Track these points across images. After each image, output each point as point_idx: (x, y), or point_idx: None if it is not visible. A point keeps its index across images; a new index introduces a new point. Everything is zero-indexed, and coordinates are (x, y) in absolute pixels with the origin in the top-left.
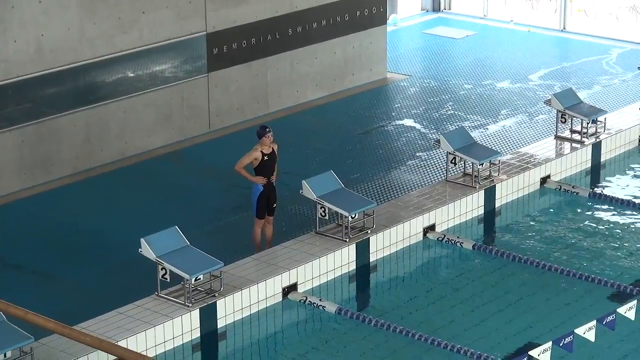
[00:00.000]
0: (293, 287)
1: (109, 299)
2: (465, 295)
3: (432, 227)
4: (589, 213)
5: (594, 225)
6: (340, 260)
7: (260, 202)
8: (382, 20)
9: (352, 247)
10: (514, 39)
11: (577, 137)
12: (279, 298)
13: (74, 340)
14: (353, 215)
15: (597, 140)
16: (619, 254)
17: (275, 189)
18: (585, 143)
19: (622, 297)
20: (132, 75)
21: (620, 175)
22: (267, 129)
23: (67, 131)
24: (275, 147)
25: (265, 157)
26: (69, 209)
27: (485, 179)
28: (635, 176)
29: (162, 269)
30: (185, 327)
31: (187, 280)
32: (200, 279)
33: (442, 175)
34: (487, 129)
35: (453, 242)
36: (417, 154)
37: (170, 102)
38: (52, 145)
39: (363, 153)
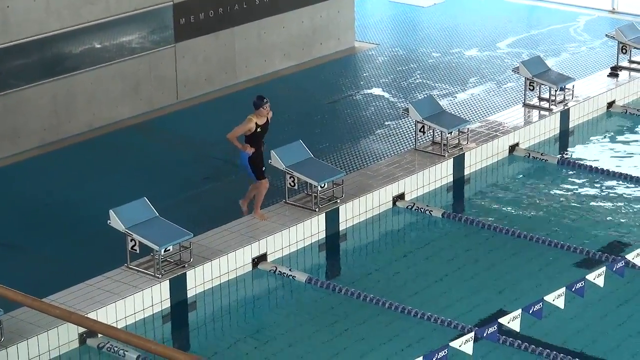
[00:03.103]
0: (263, 257)
1: (78, 271)
2: (435, 263)
3: (401, 196)
4: (558, 180)
5: (563, 192)
6: (310, 230)
7: (254, 163)
8: None
9: (322, 217)
10: (481, 6)
11: (545, 104)
12: (249, 268)
13: (43, 312)
14: (322, 185)
15: (566, 107)
16: (587, 220)
17: (262, 154)
18: (554, 110)
19: (591, 264)
20: (99, 46)
21: (588, 142)
22: (265, 100)
23: (34, 103)
24: (270, 116)
25: (259, 129)
26: (37, 181)
27: (454, 147)
28: (603, 143)
29: (131, 241)
30: (155, 298)
31: (157, 251)
32: (169, 250)
33: (411, 144)
34: (456, 97)
35: (422, 210)
36: (386, 123)
37: (137, 73)
38: (19, 117)
39: (332, 122)
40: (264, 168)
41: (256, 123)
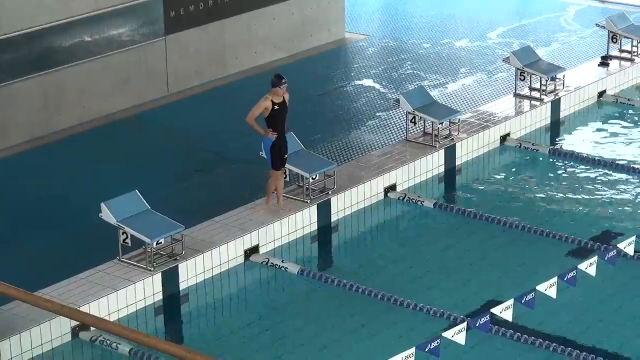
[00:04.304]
0: (255, 249)
1: (70, 265)
2: (426, 254)
3: (392, 187)
4: (549, 170)
5: (554, 182)
6: (302, 222)
7: (274, 152)
8: None
9: (314, 208)
10: None
11: (536, 94)
12: (241, 260)
13: (35, 306)
14: (314, 177)
15: (556, 97)
16: (579, 210)
17: (287, 141)
18: (545, 100)
19: (582, 253)
20: (89, 39)
21: (579, 132)
22: (283, 79)
23: (24, 97)
24: (287, 97)
25: (276, 107)
26: (28, 175)
27: (445, 137)
28: (594, 132)
29: (123, 234)
30: (147, 291)
31: (149, 244)
32: (161, 242)
33: (402, 135)
34: (447, 87)
35: (414, 201)
36: (377, 114)
37: (127, 66)
38: (9, 111)
39: (323, 114)
40: (285, 156)
41: (272, 101)
